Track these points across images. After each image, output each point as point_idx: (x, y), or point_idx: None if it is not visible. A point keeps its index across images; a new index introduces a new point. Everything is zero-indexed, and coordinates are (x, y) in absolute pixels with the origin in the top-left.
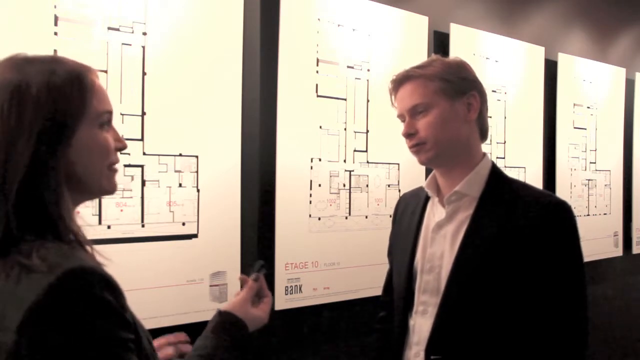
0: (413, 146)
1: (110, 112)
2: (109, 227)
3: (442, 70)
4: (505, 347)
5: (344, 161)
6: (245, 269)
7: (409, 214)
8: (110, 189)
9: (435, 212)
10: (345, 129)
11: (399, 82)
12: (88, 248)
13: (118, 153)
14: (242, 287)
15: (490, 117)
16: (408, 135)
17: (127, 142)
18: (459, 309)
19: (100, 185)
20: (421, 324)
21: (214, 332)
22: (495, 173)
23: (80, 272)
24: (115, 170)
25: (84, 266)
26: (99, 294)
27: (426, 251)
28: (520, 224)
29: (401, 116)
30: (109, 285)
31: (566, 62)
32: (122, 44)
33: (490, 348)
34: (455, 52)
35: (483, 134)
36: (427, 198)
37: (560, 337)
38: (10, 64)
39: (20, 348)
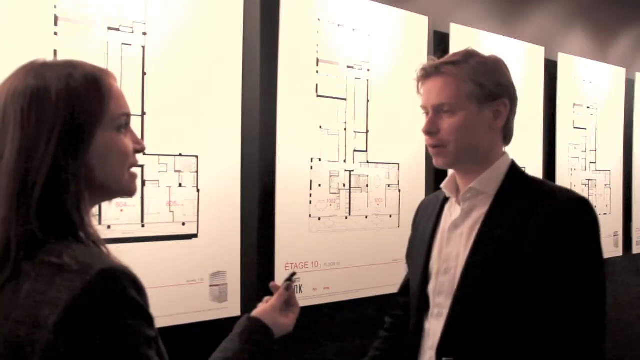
0: (432, 146)
1: (128, 115)
2: (109, 227)
3: (477, 72)
4: (518, 349)
5: (344, 161)
6: (247, 268)
7: (426, 218)
8: (131, 192)
9: (452, 212)
10: (345, 129)
11: (429, 74)
12: (104, 248)
13: (137, 155)
14: (272, 294)
15: None
16: (429, 133)
17: None
18: (470, 310)
19: (120, 187)
20: (436, 327)
21: (241, 336)
22: (514, 171)
23: (112, 273)
24: (134, 175)
25: (115, 267)
26: (130, 294)
27: (442, 252)
28: (535, 222)
29: (424, 108)
30: (137, 285)
31: (566, 62)
32: (122, 44)
33: (503, 350)
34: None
35: (507, 139)
36: (445, 200)
37: (575, 342)
38: (29, 69)
39: (57, 346)
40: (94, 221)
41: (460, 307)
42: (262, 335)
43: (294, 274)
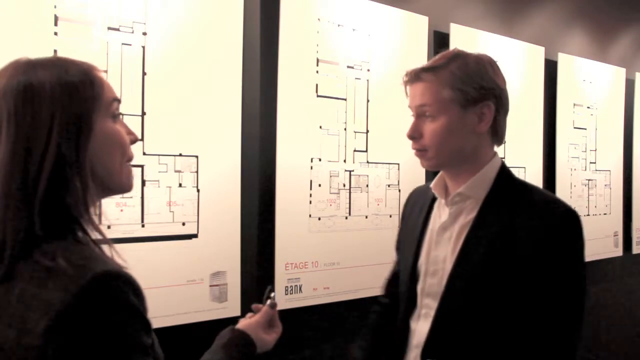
0: (416, 150)
1: (119, 101)
2: (109, 227)
3: (456, 78)
4: (500, 353)
5: (344, 161)
6: (247, 268)
7: (416, 212)
8: (129, 186)
9: (441, 214)
10: (345, 129)
11: (411, 80)
12: (107, 248)
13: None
14: (254, 314)
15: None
16: (411, 137)
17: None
18: (455, 314)
19: (120, 181)
20: (422, 327)
21: (225, 347)
22: (504, 175)
23: (108, 277)
24: (131, 169)
25: (111, 270)
26: (126, 298)
27: (430, 254)
28: (522, 230)
29: (410, 108)
30: (134, 289)
31: (566, 62)
32: (122, 44)
33: (485, 353)
34: None
35: (498, 140)
36: (435, 197)
37: (548, 348)
38: (17, 67)
39: (47, 352)
40: (96, 219)
41: (445, 311)
42: (246, 347)
43: (271, 290)
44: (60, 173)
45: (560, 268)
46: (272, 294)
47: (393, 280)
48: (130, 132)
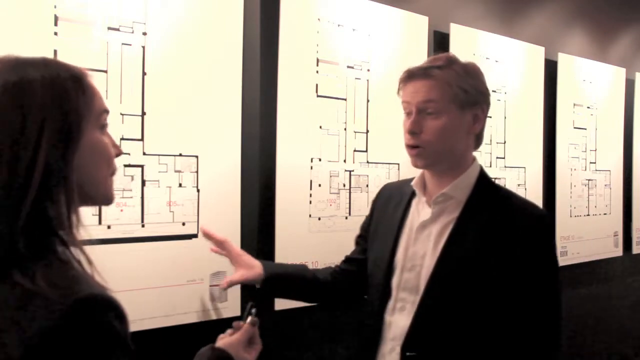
0: (412, 147)
1: (108, 112)
2: (109, 227)
3: (461, 78)
4: (480, 347)
5: (344, 161)
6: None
7: (392, 207)
8: (112, 199)
9: (420, 211)
10: (345, 129)
11: (415, 75)
12: (88, 267)
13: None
14: (235, 331)
15: (490, 117)
16: (412, 132)
17: (127, 142)
18: (437, 308)
19: (105, 193)
20: (398, 320)
21: None
22: (483, 178)
23: (90, 302)
24: (112, 182)
25: (94, 294)
26: (109, 324)
27: (409, 249)
28: (502, 231)
29: (407, 105)
30: (117, 312)
31: (566, 62)
32: (122, 44)
33: (465, 348)
34: (455, 52)
35: (478, 145)
36: (412, 194)
37: (531, 343)
38: (4, 64)
39: None
40: (83, 232)
41: (427, 305)
42: None
43: (252, 306)
44: (46, 184)
45: (536, 266)
46: (253, 311)
47: (352, 260)
48: (115, 145)
